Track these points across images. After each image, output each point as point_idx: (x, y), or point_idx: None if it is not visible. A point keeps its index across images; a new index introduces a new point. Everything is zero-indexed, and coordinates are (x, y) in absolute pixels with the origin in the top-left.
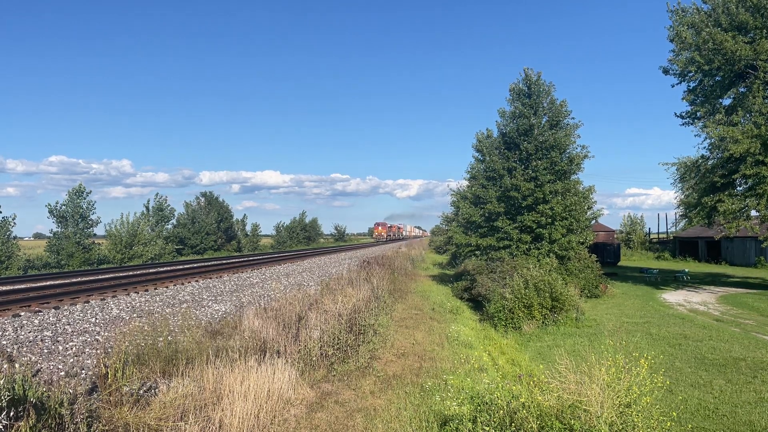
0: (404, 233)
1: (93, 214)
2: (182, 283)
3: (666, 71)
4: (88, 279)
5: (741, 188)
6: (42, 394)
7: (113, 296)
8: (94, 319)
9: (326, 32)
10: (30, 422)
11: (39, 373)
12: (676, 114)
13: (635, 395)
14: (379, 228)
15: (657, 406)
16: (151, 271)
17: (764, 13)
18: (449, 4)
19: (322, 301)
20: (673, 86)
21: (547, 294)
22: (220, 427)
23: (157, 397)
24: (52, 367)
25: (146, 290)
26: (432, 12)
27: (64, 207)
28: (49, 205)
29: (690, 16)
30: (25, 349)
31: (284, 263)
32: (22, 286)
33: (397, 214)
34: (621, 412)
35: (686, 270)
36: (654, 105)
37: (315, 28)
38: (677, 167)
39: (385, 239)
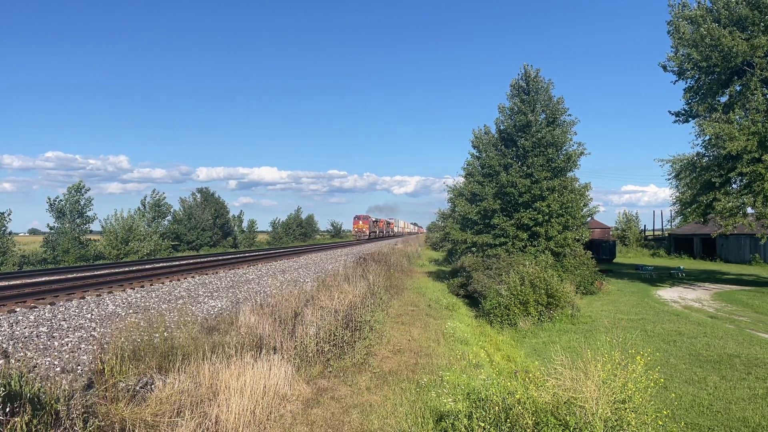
0: (395, 229)
1: (90, 210)
2: (178, 279)
3: (665, 68)
4: (83, 275)
5: (737, 185)
6: (38, 389)
7: (109, 292)
8: (89, 315)
9: (324, 31)
10: (26, 418)
11: (35, 368)
12: (670, 112)
13: (631, 392)
14: (360, 222)
15: (652, 403)
16: (146, 267)
17: (763, 9)
18: (447, 2)
19: (319, 298)
20: (673, 83)
21: (543, 290)
22: (216, 422)
23: (153, 393)
24: (47, 362)
25: (142, 286)
26: (430, 10)
27: (62, 202)
28: (49, 198)
29: (690, 11)
30: (20, 344)
31: (280, 259)
32: (18, 282)
33: (387, 206)
34: (616, 409)
35: (681, 267)
36: (651, 102)
37: (313, 27)
38: (672, 164)
39: (367, 236)
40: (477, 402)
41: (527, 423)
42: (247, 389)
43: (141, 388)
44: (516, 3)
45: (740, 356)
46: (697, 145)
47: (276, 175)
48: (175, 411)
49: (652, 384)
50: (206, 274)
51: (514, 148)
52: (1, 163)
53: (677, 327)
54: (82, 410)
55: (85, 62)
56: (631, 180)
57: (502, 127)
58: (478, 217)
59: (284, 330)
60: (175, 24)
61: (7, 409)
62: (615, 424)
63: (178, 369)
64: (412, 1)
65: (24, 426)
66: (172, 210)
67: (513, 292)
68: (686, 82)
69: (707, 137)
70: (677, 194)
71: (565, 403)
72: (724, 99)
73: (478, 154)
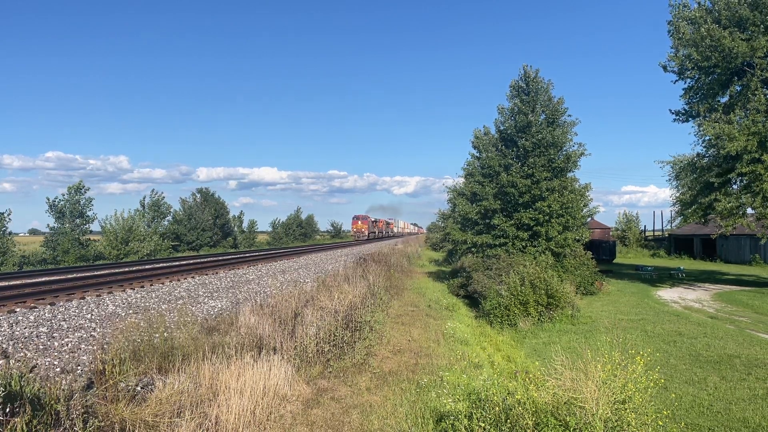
0: (395, 230)
1: (90, 210)
2: (178, 280)
3: (665, 68)
4: (83, 275)
5: (736, 186)
6: (38, 390)
7: (109, 292)
8: (89, 315)
9: (324, 31)
10: (26, 418)
11: (35, 368)
12: (671, 110)
13: (631, 392)
14: (359, 222)
15: (652, 403)
16: (146, 267)
17: (764, 10)
18: (447, 3)
19: (318, 298)
20: (674, 82)
21: (543, 291)
22: (216, 423)
23: (153, 393)
24: (47, 363)
25: (142, 286)
26: (430, 10)
27: (62, 203)
28: (48, 199)
29: (690, 11)
30: (20, 345)
31: (280, 260)
32: (18, 282)
33: (391, 206)
34: (616, 409)
35: (681, 267)
36: (651, 102)
37: (313, 27)
38: (672, 165)
39: (366, 237)
40: (477, 402)
41: (527, 423)
42: (247, 389)
43: (141, 388)
44: (516, 3)
45: (740, 357)
46: (698, 145)
47: (276, 175)
48: (175, 411)
49: (652, 384)
50: (206, 275)
51: (514, 149)
52: (1, 163)
53: (677, 327)
54: (82, 410)
55: (85, 62)
56: (631, 180)
57: (502, 128)
58: (479, 217)
59: (284, 330)
60: (175, 24)
61: (7, 410)
62: (615, 424)
63: (178, 369)
64: (412, 1)
65: (24, 426)
66: (171, 210)
67: (513, 292)
68: (686, 83)
69: (707, 137)
70: (677, 195)
71: (565, 403)
72: (724, 99)
73: (478, 155)
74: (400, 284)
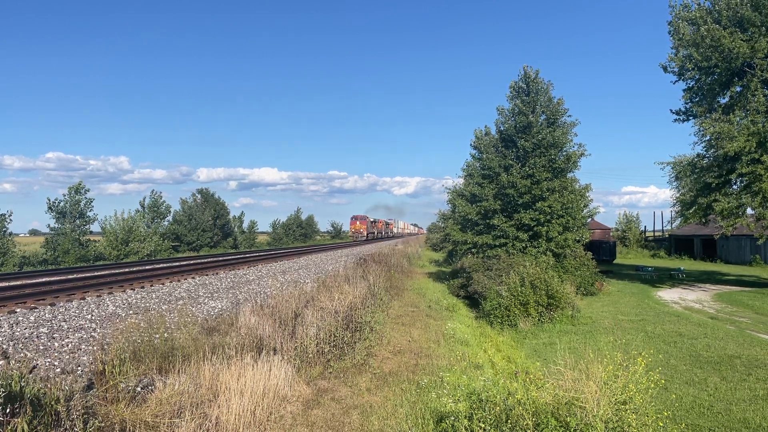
0: (395, 230)
1: (90, 211)
2: (178, 280)
3: (665, 69)
4: (84, 276)
5: (736, 186)
6: (38, 390)
7: (109, 293)
8: (90, 315)
9: (324, 31)
10: (26, 419)
11: (35, 369)
12: (671, 110)
13: (631, 393)
14: (357, 223)
15: (652, 404)
16: (147, 267)
17: (764, 11)
18: (447, 3)
19: (319, 298)
20: (674, 83)
21: (543, 291)
22: (216, 423)
23: (153, 393)
24: (48, 363)
25: (142, 287)
26: (430, 10)
27: (62, 203)
28: (49, 199)
29: (691, 12)
30: (20, 345)
31: (280, 260)
32: (18, 283)
33: (396, 207)
34: (617, 410)
35: (682, 268)
36: (651, 102)
37: (313, 27)
38: (673, 166)
39: (365, 237)
40: (477, 403)
41: (527, 424)
42: (247, 390)
43: (141, 389)
44: (516, 3)
45: (741, 357)
46: (698, 144)
47: (276, 175)
48: (176, 412)
49: (652, 385)
50: (206, 275)
51: (514, 149)
52: (2, 163)
53: (678, 328)
54: (83, 411)
55: (85, 62)
56: (631, 181)
57: (502, 128)
58: (479, 218)
59: (284, 331)
60: (175, 24)
61: (8, 410)
62: (616, 425)
63: (179, 370)
64: (412, 1)
65: (25, 426)
66: (171, 210)
67: (513, 293)
68: (686, 83)
69: (708, 137)
70: (678, 195)
71: (565, 404)
72: (724, 100)
73: (478, 156)
74: (400, 285)
